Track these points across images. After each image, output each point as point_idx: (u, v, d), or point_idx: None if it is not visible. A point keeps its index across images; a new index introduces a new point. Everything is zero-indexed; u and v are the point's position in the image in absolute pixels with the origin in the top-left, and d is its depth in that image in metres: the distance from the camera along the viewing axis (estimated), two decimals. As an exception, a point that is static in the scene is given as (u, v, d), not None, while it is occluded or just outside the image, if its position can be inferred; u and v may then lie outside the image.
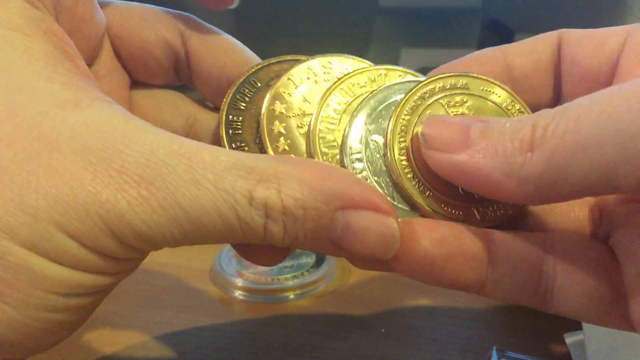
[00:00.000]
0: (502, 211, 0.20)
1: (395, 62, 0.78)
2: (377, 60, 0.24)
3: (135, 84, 0.25)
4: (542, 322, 0.31)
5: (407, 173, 0.19)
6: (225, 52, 0.24)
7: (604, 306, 0.18)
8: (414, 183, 0.19)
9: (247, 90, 0.23)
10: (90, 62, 0.23)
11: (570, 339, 0.29)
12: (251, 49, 0.25)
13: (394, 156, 0.19)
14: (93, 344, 0.31)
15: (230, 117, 0.22)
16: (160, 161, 0.16)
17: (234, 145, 0.21)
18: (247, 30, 0.92)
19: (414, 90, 0.20)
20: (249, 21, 0.92)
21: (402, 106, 0.20)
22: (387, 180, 0.19)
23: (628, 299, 0.18)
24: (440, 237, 0.18)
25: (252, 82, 0.23)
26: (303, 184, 0.17)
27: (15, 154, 0.16)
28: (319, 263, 0.37)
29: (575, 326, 0.30)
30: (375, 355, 0.29)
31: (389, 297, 0.35)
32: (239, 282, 0.35)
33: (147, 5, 0.24)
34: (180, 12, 0.25)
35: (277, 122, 0.21)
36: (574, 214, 0.21)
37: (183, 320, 0.33)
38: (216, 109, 0.25)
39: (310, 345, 0.30)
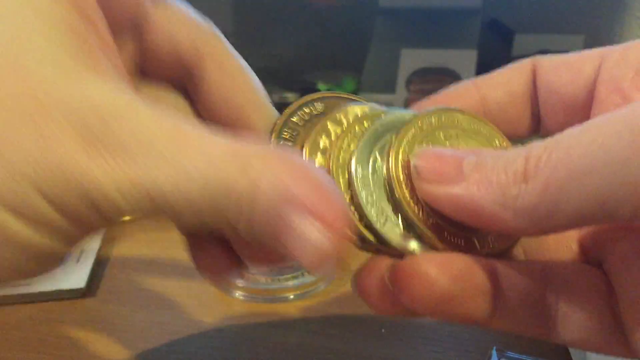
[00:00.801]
0: (499, 242, 0.20)
1: (395, 62, 0.78)
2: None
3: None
4: (542, 322, 0.31)
5: (409, 202, 0.19)
6: (240, 88, 0.22)
7: (605, 335, 0.18)
8: (417, 212, 0.19)
9: (295, 121, 0.22)
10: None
11: (570, 339, 0.29)
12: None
13: (397, 185, 0.19)
14: (93, 344, 0.31)
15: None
16: (158, 151, 0.16)
17: None
18: (247, 30, 0.92)
19: (411, 122, 0.20)
20: (249, 22, 0.92)
21: (401, 139, 0.20)
22: (390, 207, 0.19)
23: (625, 328, 0.18)
24: (457, 273, 0.18)
25: (300, 114, 0.22)
26: (276, 177, 0.16)
27: (5, 111, 0.15)
28: (319, 263, 0.37)
29: (575, 326, 0.30)
30: (375, 355, 0.29)
31: (389, 297, 0.35)
32: (239, 282, 0.35)
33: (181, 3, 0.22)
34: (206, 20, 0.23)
35: (319, 154, 0.20)
36: (565, 241, 0.21)
37: (183, 320, 0.33)
38: None
39: (310, 345, 0.30)
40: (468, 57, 0.74)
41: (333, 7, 0.91)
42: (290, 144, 0.21)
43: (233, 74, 0.22)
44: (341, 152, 0.20)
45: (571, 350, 0.29)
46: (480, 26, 0.79)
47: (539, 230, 0.17)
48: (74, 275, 0.36)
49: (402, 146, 0.19)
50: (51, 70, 0.16)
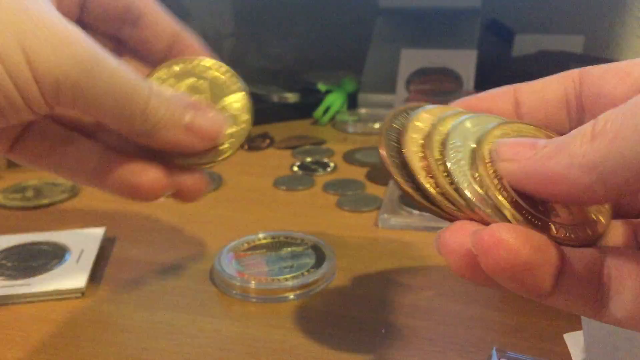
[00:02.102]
0: (577, 234, 0.20)
1: (395, 62, 0.78)
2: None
3: None
4: (542, 322, 0.31)
5: (496, 185, 0.20)
6: None
7: None
8: (503, 193, 0.20)
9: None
10: None
11: (570, 339, 0.29)
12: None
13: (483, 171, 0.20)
14: (93, 344, 0.31)
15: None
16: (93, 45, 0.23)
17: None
18: (247, 31, 0.92)
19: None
20: (249, 22, 0.92)
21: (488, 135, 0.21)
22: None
23: None
24: (537, 245, 0.18)
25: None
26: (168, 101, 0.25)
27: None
28: (319, 263, 0.37)
29: (575, 326, 0.30)
30: (375, 355, 0.29)
31: (389, 297, 0.35)
32: (239, 282, 0.35)
33: None
34: None
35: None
36: (616, 230, 0.22)
37: (183, 320, 0.33)
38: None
39: (310, 345, 0.30)
40: (468, 57, 0.74)
41: (333, 7, 0.91)
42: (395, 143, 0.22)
43: (161, 13, 0.29)
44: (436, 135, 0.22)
45: (571, 350, 0.29)
46: (480, 26, 0.79)
47: (607, 189, 0.17)
48: (74, 275, 0.36)
49: (489, 137, 0.21)
50: None
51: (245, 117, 0.28)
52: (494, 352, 0.26)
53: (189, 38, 0.29)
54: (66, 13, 0.25)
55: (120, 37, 0.29)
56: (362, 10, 0.88)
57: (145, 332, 0.32)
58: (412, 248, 0.41)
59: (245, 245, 0.39)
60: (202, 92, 0.28)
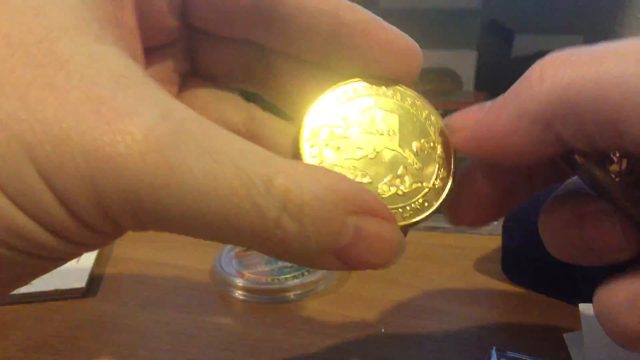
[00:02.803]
0: None
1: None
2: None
3: (191, 75, 0.23)
4: (542, 322, 0.31)
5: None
6: None
7: None
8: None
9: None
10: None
11: (570, 339, 0.29)
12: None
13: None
14: (93, 344, 0.31)
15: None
16: (176, 121, 0.15)
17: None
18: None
19: None
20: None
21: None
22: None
23: None
24: None
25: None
26: (319, 183, 0.16)
27: (14, 55, 0.14)
28: (319, 263, 0.37)
29: (575, 326, 0.30)
30: (375, 355, 0.29)
31: (389, 297, 0.35)
32: (239, 282, 0.35)
33: None
34: None
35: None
36: None
37: (183, 320, 0.33)
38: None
39: (310, 345, 0.30)
40: (468, 57, 0.74)
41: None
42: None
43: None
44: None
45: (571, 350, 0.29)
46: (480, 26, 0.79)
47: (554, 139, 0.17)
48: (74, 275, 0.36)
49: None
50: (70, 22, 0.15)
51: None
52: (493, 352, 0.26)
53: (357, 15, 0.20)
54: (155, 19, 0.20)
55: (258, 42, 0.22)
56: (362, 10, 0.88)
57: (145, 332, 0.32)
58: (412, 248, 0.41)
59: (245, 245, 0.39)
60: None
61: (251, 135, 0.23)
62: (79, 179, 0.14)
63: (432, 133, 0.21)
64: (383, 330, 0.31)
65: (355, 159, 0.20)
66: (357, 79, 0.21)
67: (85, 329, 0.32)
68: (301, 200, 0.15)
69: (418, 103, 0.22)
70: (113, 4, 0.17)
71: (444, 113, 0.22)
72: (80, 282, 0.35)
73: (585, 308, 0.30)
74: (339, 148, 0.20)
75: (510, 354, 0.26)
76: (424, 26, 0.81)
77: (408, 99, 0.22)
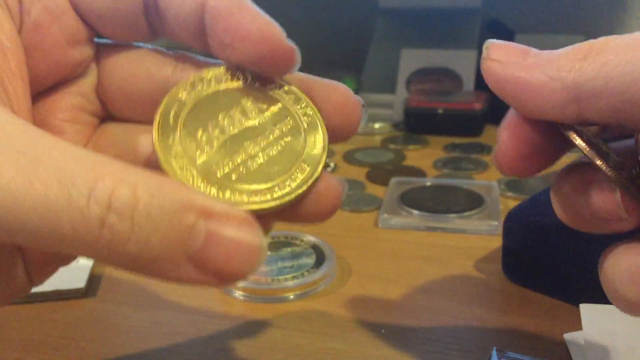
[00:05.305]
0: None
1: (395, 62, 0.78)
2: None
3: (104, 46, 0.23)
4: (542, 322, 0.31)
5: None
6: None
7: None
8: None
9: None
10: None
11: (570, 339, 0.29)
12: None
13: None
14: (93, 344, 0.31)
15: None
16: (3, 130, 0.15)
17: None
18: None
19: None
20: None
21: None
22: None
23: None
24: None
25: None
26: (164, 184, 0.15)
27: None
28: (319, 263, 0.37)
29: (575, 326, 0.30)
30: (375, 355, 0.29)
31: (389, 297, 0.35)
32: (239, 282, 0.35)
33: None
34: None
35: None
36: None
37: (183, 321, 0.33)
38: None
39: (310, 345, 0.30)
40: (468, 57, 0.74)
41: (333, 7, 0.91)
42: None
43: None
44: None
45: (571, 350, 0.29)
46: (480, 26, 0.79)
47: (578, 111, 0.18)
48: (74, 275, 0.36)
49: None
50: None
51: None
52: (494, 352, 0.26)
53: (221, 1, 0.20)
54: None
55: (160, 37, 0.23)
56: (362, 10, 0.88)
57: (145, 332, 0.32)
58: (412, 248, 0.41)
59: (245, 245, 0.39)
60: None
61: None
62: None
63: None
64: (383, 330, 0.31)
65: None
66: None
67: (85, 329, 0.32)
68: (133, 197, 0.15)
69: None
70: None
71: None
72: (80, 282, 0.35)
73: (585, 308, 0.30)
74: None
75: (511, 354, 0.26)
76: (424, 26, 0.81)
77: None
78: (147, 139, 0.22)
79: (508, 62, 0.19)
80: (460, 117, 0.65)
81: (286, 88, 0.22)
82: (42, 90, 0.22)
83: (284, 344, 0.30)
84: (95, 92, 0.23)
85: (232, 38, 0.20)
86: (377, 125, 0.69)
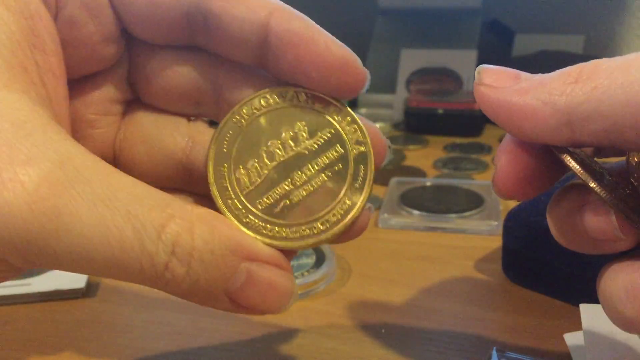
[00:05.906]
0: None
1: (395, 62, 0.78)
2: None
3: (138, 102, 0.24)
4: (542, 322, 0.31)
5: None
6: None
7: None
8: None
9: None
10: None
11: (570, 339, 0.29)
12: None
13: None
14: (93, 344, 0.31)
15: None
16: (73, 168, 0.16)
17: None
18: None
19: None
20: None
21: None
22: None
23: None
24: None
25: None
26: (215, 229, 0.17)
27: None
28: (319, 263, 0.37)
29: (575, 326, 0.30)
30: (375, 355, 0.29)
31: (389, 297, 0.35)
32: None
33: None
34: None
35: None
36: None
37: (183, 321, 0.33)
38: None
39: (310, 345, 0.30)
40: (468, 57, 0.74)
41: (333, 7, 0.91)
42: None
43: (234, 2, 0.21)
44: None
45: (571, 350, 0.29)
46: (480, 26, 0.79)
47: (570, 134, 0.18)
48: (73, 276, 0.36)
49: None
50: None
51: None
52: (494, 352, 0.26)
53: (289, 25, 0.20)
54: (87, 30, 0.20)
55: (202, 47, 0.22)
56: (362, 10, 0.88)
57: (145, 332, 0.32)
58: (412, 248, 0.41)
59: (245, 245, 0.39)
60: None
61: (191, 162, 0.23)
62: None
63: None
64: (383, 330, 0.31)
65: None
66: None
67: (85, 329, 0.32)
68: (191, 245, 0.17)
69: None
70: (30, 49, 0.18)
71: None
72: (80, 282, 0.35)
73: (585, 308, 0.30)
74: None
75: (511, 354, 0.26)
76: (424, 26, 0.81)
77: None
78: (177, 137, 0.23)
79: (500, 87, 0.19)
80: (460, 117, 0.65)
81: (340, 107, 0.21)
82: (72, 82, 0.21)
83: (284, 344, 0.30)
84: (126, 80, 0.23)
85: (307, 67, 0.20)
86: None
